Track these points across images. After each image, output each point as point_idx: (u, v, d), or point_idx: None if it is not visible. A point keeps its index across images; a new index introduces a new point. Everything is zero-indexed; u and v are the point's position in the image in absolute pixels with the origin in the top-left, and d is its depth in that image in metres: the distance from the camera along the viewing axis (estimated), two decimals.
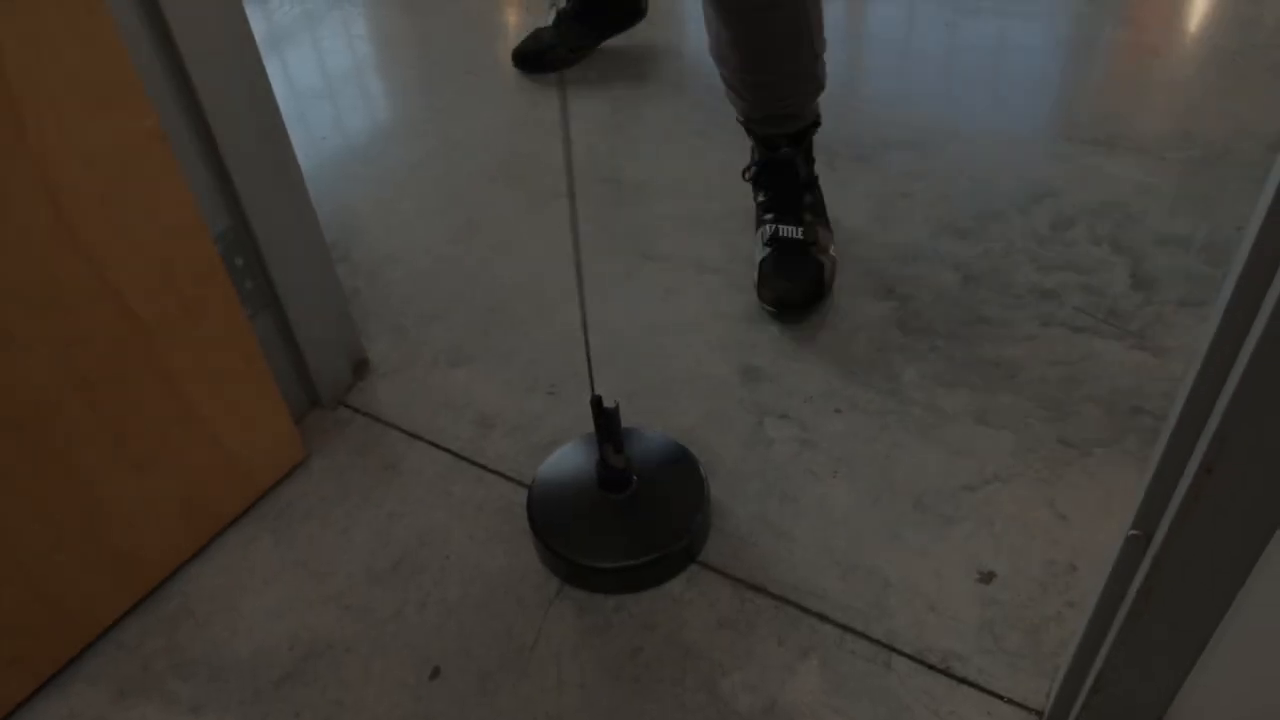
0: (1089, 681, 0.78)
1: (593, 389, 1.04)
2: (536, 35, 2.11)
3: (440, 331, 1.45)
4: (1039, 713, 0.94)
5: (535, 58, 2.09)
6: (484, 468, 1.23)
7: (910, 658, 1.00)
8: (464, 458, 1.25)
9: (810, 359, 1.35)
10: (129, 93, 0.88)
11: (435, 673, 1.02)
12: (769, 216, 1.49)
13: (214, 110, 1.00)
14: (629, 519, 1.11)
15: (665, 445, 1.19)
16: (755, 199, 1.55)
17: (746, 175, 1.56)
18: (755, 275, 1.46)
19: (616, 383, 1.12)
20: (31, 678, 1.02)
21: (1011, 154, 1.78)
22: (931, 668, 0.99)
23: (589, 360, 1.03)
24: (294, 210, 1.16)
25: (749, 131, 1.53)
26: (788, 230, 1.46)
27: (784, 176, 1.50)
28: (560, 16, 2.10)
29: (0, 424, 0.88)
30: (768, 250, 1.47)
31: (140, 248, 0.93)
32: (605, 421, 1.05)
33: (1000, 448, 1.21)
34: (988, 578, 1.07)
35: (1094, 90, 2.03)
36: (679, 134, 1.89)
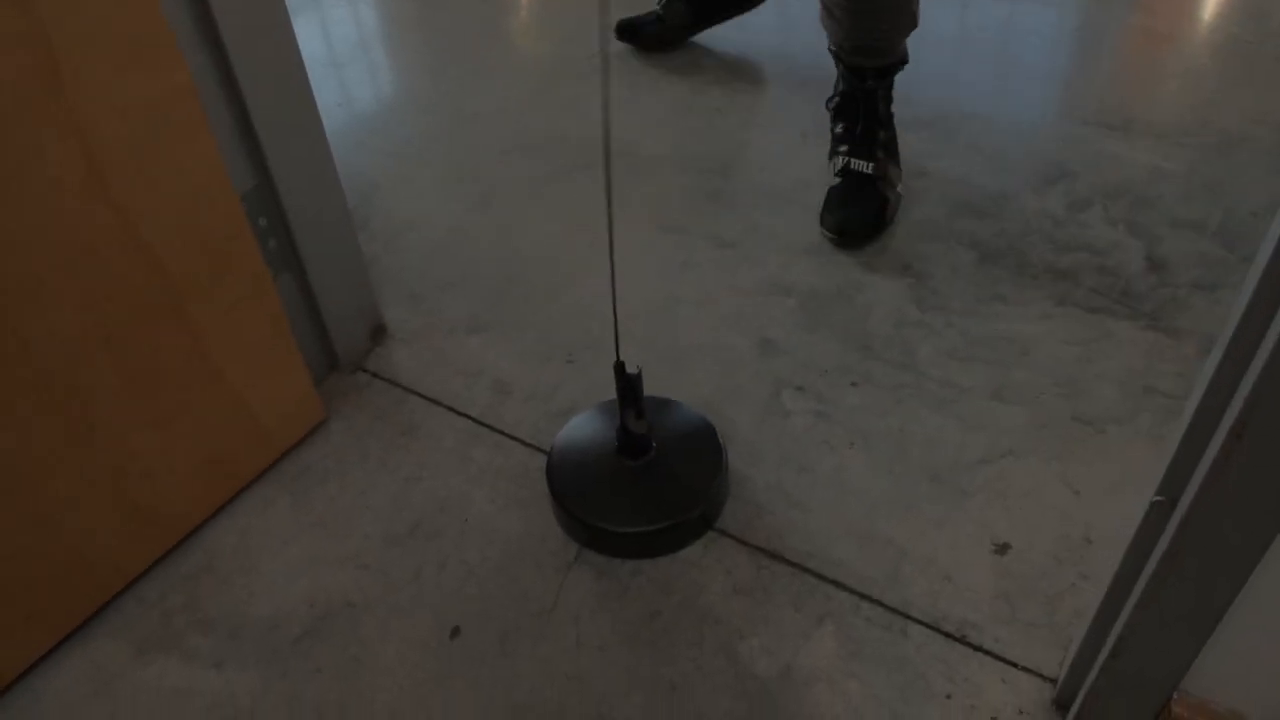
0: (1108, 648, 0.79)
1: (618, 354, 1.05)
2: (647, 14, 2.06)
3: (457, 299, 1.45)
4: (1053, 681, 0.96)
5: (632, 32, 2.05)
6: (502, 433, 1.24)
7: (926, 625, 1.01)
8: (482, 423, 1.26)
9: (826, 333, 1.36)
10: (161, 46, 0.88)
11: (455, 632, 1.03)
12: (843, 149, 1.55)
13: (242, 67, 1.00)
14: (647, 485, 1.12)
15: (683, 413, 1.20)
16: (832, 129, 1.60)
17: (829, 105, 1.61)
18: (821, 202, 1.53)
19: (633, 353, 1.12)
20: (52, 632, 1.03)
21: (1027, 136, 1.78)
22: (947, 636, 1.00)
23: (615, 325, 1.04)
24: (318, 172, 1.16)
25: (837, 60, 1.58)
26: (859, 164, 1.51)
27: (864, 110, 1.54)
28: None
29: (28, 375, 0.89)
30: (837, 180, 1.53)
31: (169, 202, 0.94)
32: (627, 387, 1.05)
33: (1015, 423, 1.22)
34: (1003, 549, 1.08)
35: (1108, 75, 2.03)
36: (696, 109, 1.89)
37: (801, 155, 1.72)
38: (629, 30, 2.06)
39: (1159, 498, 0.72)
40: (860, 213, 1.48)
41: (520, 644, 1.02)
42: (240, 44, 0.99)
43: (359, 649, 1.02)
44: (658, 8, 2.05)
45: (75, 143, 0.84)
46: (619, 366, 1.04)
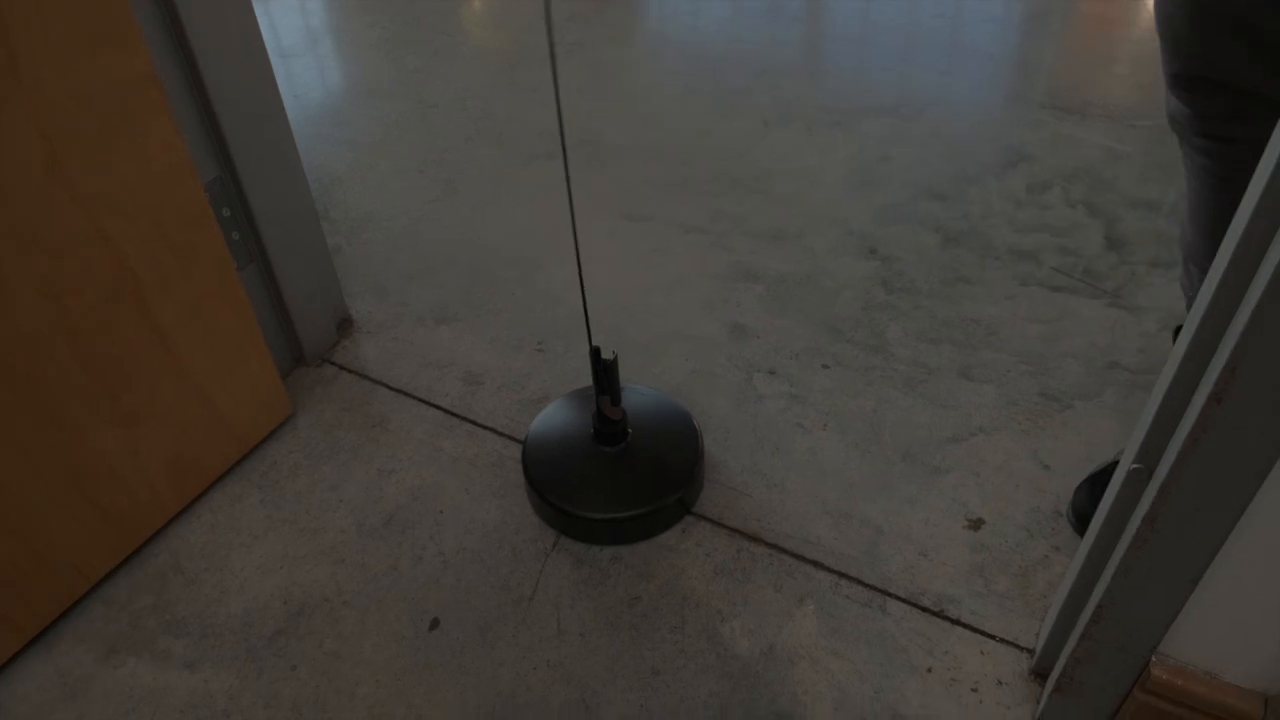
0: (1087, 614, 0.80)
1: (590, 340, 1.04)
2: None
3: (423, 290, 1.44)
4: (1030, 651, 0.97)
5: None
6: (474, 423, 1.23)
7: (904, 601, 1.02)
8: (454, 414, 1.24)
9: (796, 317, 1.36)
10: (123, 33, 0.85)
11: (434, 624, 1.02)
12: None
13: (205, 56, 0.98)
14: (624, 471, 1.11)
15: (657, 399, 1.19)
16: None
17: None
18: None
19: (605, 340, 1.12)
20: (17, 636, 1.00)
21: (985, 121, 1.81)
22: (925, 610, 1.01)
23: (585, 310, 1.03)
24: (282, 162, 1.14)
25: None
26: None
27: None
28: None
29: None
30: None
31: (132, 192, 0.91)
32: (603, 372, 1.05)
33: (984, 401, 1.23)
34: (976, 524, 1.09)
35: (1062, 60, 2.06)
36: (658, 99, 1.88)
37: (764, 143, 1.73)
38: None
39: (1136, 465, 0.73)
40: None
41: (501, 633, 1.01)
42: (202, 32, 0.97)
43: (336, 644, 1.01)
44: None
45: (33, 129, 0.81)
46: (594, 352, 1.04)
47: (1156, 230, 1.49)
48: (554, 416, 1.18)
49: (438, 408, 1.25)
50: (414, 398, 1.27)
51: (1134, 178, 1.60)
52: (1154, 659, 0.78)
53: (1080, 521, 1.21)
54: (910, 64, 2.00)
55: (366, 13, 2.31)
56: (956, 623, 1.00)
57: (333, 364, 1.31)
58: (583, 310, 1.02)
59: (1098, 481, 1.35)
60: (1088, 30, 2.16)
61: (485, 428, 1.22)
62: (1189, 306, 1.25)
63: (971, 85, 1.94)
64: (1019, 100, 1.89)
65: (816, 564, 1.06)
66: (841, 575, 1.04)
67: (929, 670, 0.96)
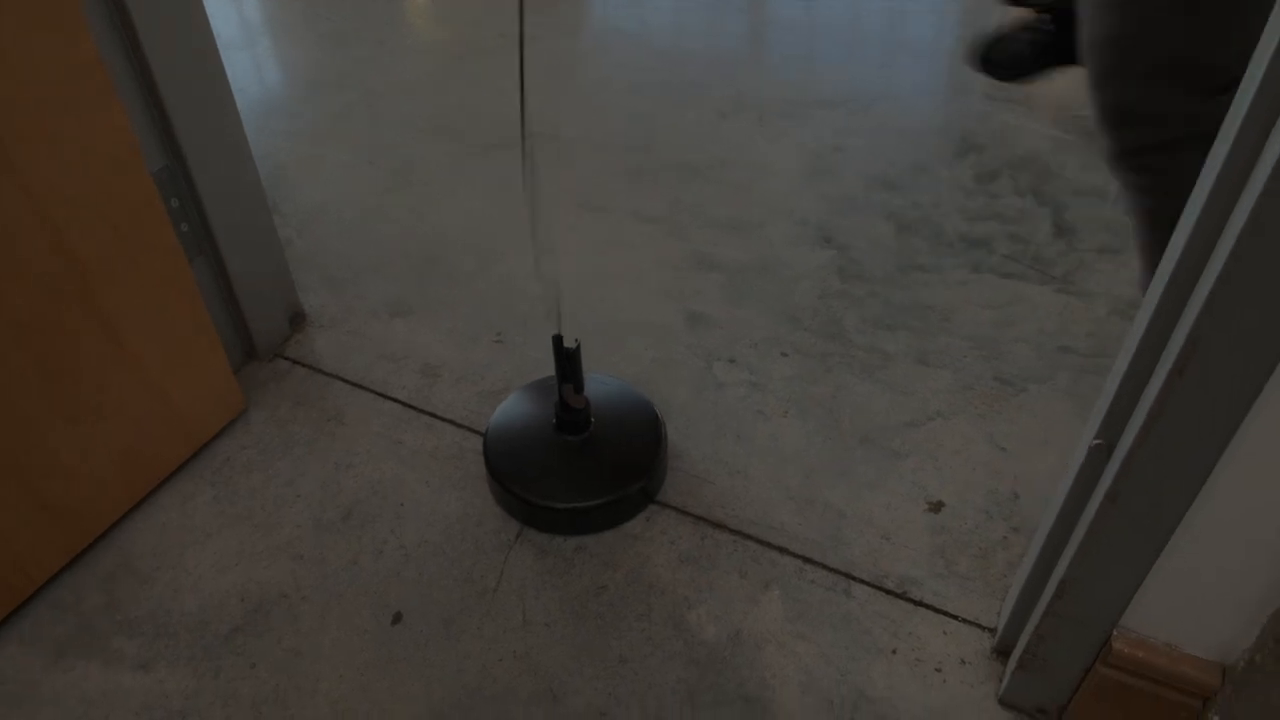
0: (1050, 590, 0.82)
1: (559, 327, 1.04)
2: (1014, 38, 1.72)
3: (377, 283, 1.41)
4: (992, 630, 0.98)
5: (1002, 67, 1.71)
6: (433, 415, 1.21)
7: (868, 584, 1.03)
8: (412, 406, 1.23)
9: (754, 306, 1.37)
10: (66, 17, 0.82)
11: (397, 618, 1.00)
12: None
13: (150, 42, 0.95)
14: (587, 460, 1.11)
15: (619, 388, 1.19)
16: None
17: None
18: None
19: (565, 330, 1.11)
20: None
21: (932, 112, 1.83)
22: (889, 592, 1.02)
23: (558, 298, 1.02)
24: (231, 152, 1.11)
25: None
26: None
27: None
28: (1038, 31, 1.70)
29: None
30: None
31: (77, 179, 0.88)
32: (566, 361, 1.04)
33: (940, 386, 1.25)
34: (936, 507, 1.10)
35: None
36: (610, 91, 1.88)
37: (720, 132, 1.73)
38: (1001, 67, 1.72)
39: (1097, 441, 0.75)
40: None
41: (465, 625, 0.99)
42: (148, 18, 0.94)
43: (296, 640, 0.99)
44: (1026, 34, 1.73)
45: None
46: (557, 340, 1.03)
47: (1103, 217, 1.52)
48: (515, 407, 1.16)
49: (395, 400, 1.24)
50: (370, 391, 1.25)
51: (1079, 166, 1.64)
52: (1115, 632, 0.80)
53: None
54: (856, 56, 2.02)
55: (306, 5, 2.27)
56: (919, 604, 1.01)
57: (285, 358, 1.29)
58: (541, 300, 1.01)
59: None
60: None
61: (444, 420, 1.21)
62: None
63: (918, 77, 1.96)
64: (965, 91, 1.91)
65: (780, 549, 1.06)
66: (805, 560, 1.05)
67: (893, 652, 0.97)
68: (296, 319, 1.33)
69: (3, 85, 0.80)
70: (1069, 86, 1.88)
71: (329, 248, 1.48)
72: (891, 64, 2.00)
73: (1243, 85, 0.58)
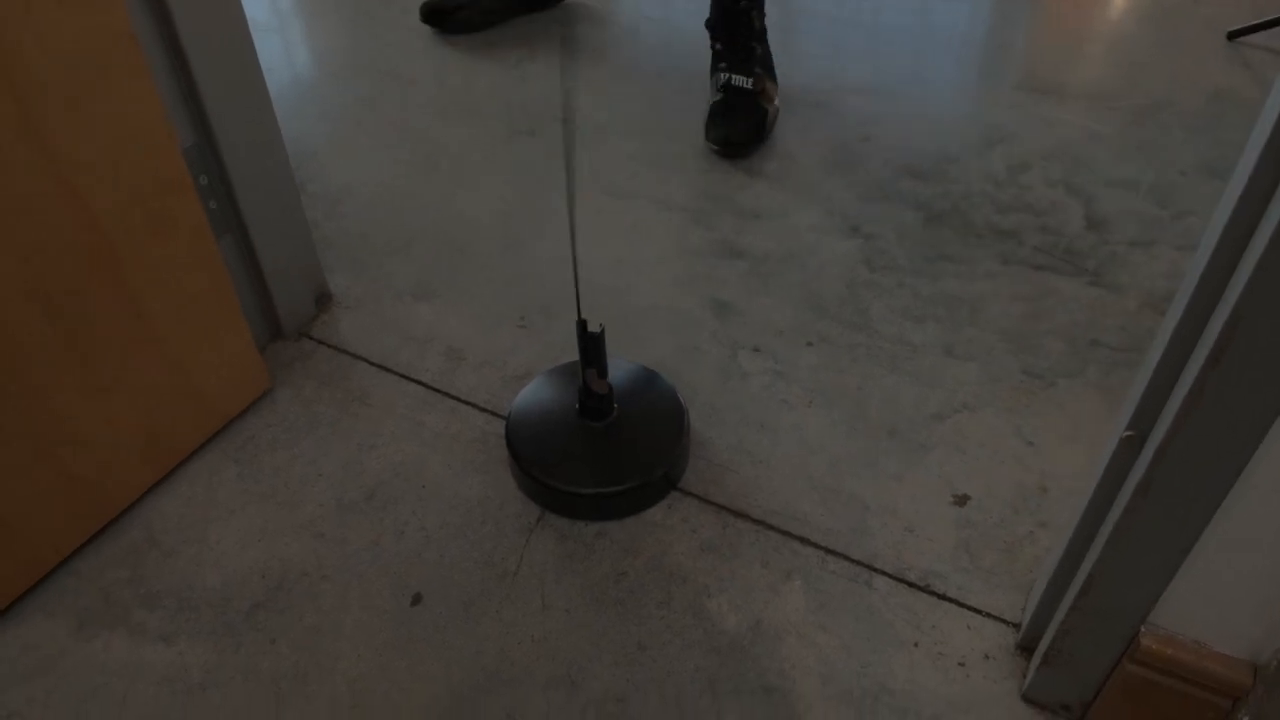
0: (1077, 585, 0.80)
1: (579, 311, 1.03)
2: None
3: (403, 265, 1.42)
4: (1016, 625, 0.97)
5: (440, 15, 1.97)
6: (457, 399, 1.21)
7: (891, 577, 1.02)
8: (435, 389, 1.22)
9: (779, 294, 1.36)
10: None
11: (416, 599, 1.00)
12: (723, 65, 1.66)
13: (183, 17, 0.95)
14: (609, 446, 1.10)
15: (642, 374, 1.18)
16: (712, 47, 1.69)
17: (707, 24, 1.68)
18: (705, 119, 1.64)
19: (589, 316, 1.10)
20: None
21: (964, 101, 1.81)
22: (912, 585, 1.01)
23: (576, 281, 1.02)
24: (260, 130, 1.11)
25: None
26: (739, 80, 1.63)
27: (740, 27, 1.64)
28: None
29: None
30: (719, 96, 1.65)
31: (107, 153, 0.89)
32: (590, 345, 1.03)
33: (968, 378, 1.23)
34: (962, 501, 1.09)
35: (1037, 41, 2.07)
36: (637, 77, 1.87)
37: None
38: (436, 15, 1.98)
39: (1129, 432, 0.73)
40: (743, 125, 1.60)
41: (485, 608, 0.99)
42: None
43: (317, 618, 0.99)
44: None
45: (7, 88, 0.79)
46: (581, 324, 1.02)
47: (1135, 210, 1.49)
48: (538, 392, 1.16)
49: (419, 383, 1.24)
50: (394, 373, 1.25)
51: (1111, 158, 1.61)
52: (1143, 629, 0.79)
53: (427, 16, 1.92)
54: (886, 45, 1.99)
55: None
56: (943, 598, 1.00)
57: (311, 338, 1.29)
58: (567, 285, 1.00)
59: None
60: (1062, 12, 2.17)
61: (467, 403, 1.21)
62: None
63: (947, 66, 1.94)
64: (995, 81, 1.89)
65: (803, 540, 1.05)
66: (828, 551, 1.04)
67: (915, 645, 0.96)
68: (322, 299, 1.33)
69: (36, 61, 0.80)
70: (1103, 77, 1.85)
71: (356, 229, 1.48)
72: (920, 52, 1.97)
73: None
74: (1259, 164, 0.56)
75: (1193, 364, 0.65)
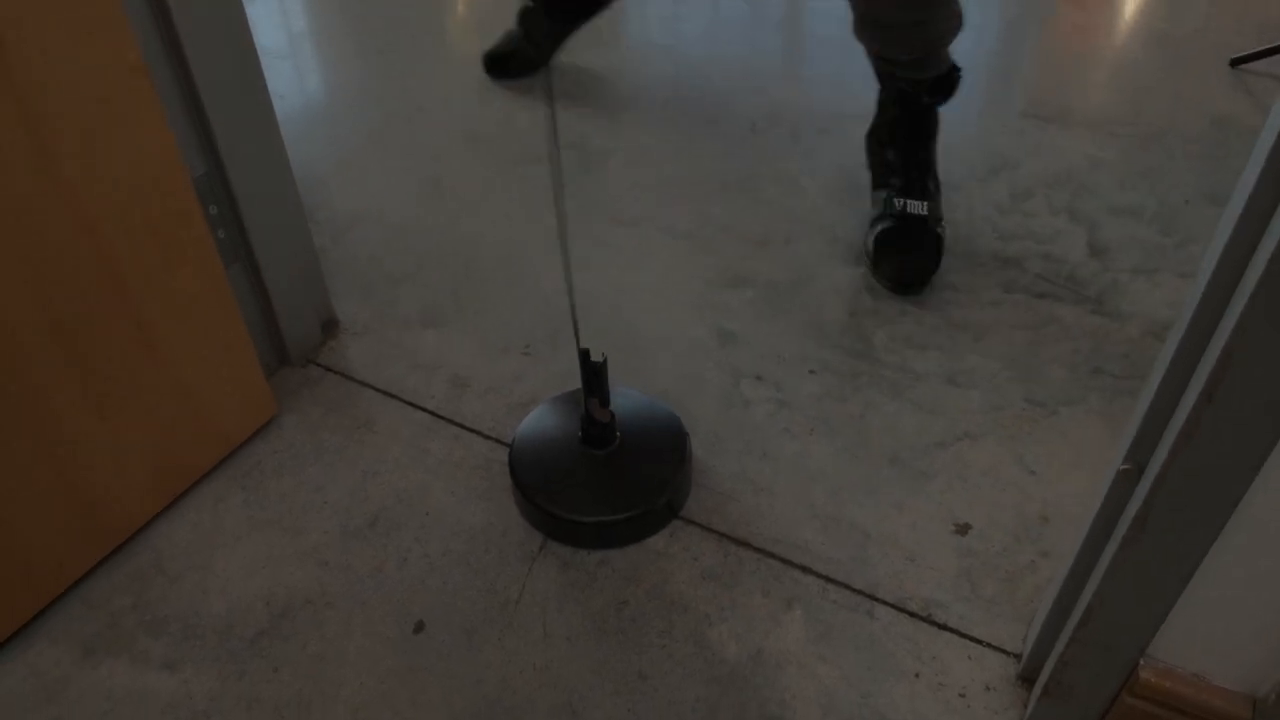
0: (1076, 616, 0.80)
1: (578, 342, 1.04)
2: (507, 37, 1.96)
3: (409, 292, 1.43)
4: (1017, 656, 0.97)
5: (501, 61, 1.95)
6: (461, 426, 1.22)
7: (892, 606, 1.02)
8: (440, 416, 1.23)
9: (783, 322, 1.36)
10: (112, 23, 0.84)
11: (419, 627, 1.01)
12: (894, 183, 1.40)
13: (193, 48, 0.97)
14: (612, 474, 1.11)
15: (645, 403, 1.19)
16: (879, 157, 1.44)
17: (872, 136, 1.46)
18: (869, 243, 1.39)
19: (593, 344, 1.11)
20: None
21: (968, 127, 1.82)
22: (913, 615, 1.01)
23: (574, 314, 1.03)
24: (270, 160, 1.13)
25: (887, 79, 1.41)
26: (914, 206, 1.38)
27: (919, 132, 1.41)
28: (524, 13, 1.94)
29: None
30: (889, 224, 1.39)
31: (119, 185, 0.90)
32: (592, 375, 1.04)
33: (970, 406, 1.24)
34: (963, 529, 1.09)
35: (1042, 68, 2.08)
36: (643, 103, 1.89)
37: (750, 147, 1.73)
38: (498, 61, 1.94)
39: (1125, 465, 0.74)
40: (921, 259, 1.37)
41: (487, 636, 1.00)
42: (191, 24, 0.96)
43: (320, 646, 0.99)
44: (515, 27, 1.94)
45: (21, 121, 0.80)
46: (584, 354, 1.03)
47: (1138, 237, 1.50)
48: (541, 419, 1.17)
49: (424, 410, 1.25)
50: (400, 400, 1.26)
51: (1115, 185, 1.62)
52: (1142, 661, 0.79)
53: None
54: None
55: (349, 16, 2.31)
56: (944, 628, 1.00)
57: (318, 365, 1.30)
58: (571, 314, 1.01)
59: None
60: (1067, 38, 2.19)
61: (472, 430, 1.22)
62: (877, 54, 1.40)
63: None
64: (1000, 107, 1.90)
65: (804, 569, 1.06)
66: (829, 580, 1.04)
67: (916, 675, 0.96)
68: (329, 326, 1.34)
69: (52, 97, 0.82)
70: (1107, 103, 1.86)
71: (363, 257, 1.50)
72: None
73: None
74: (1248, 206, 0.57)
75: (1187, 398, 0.65)
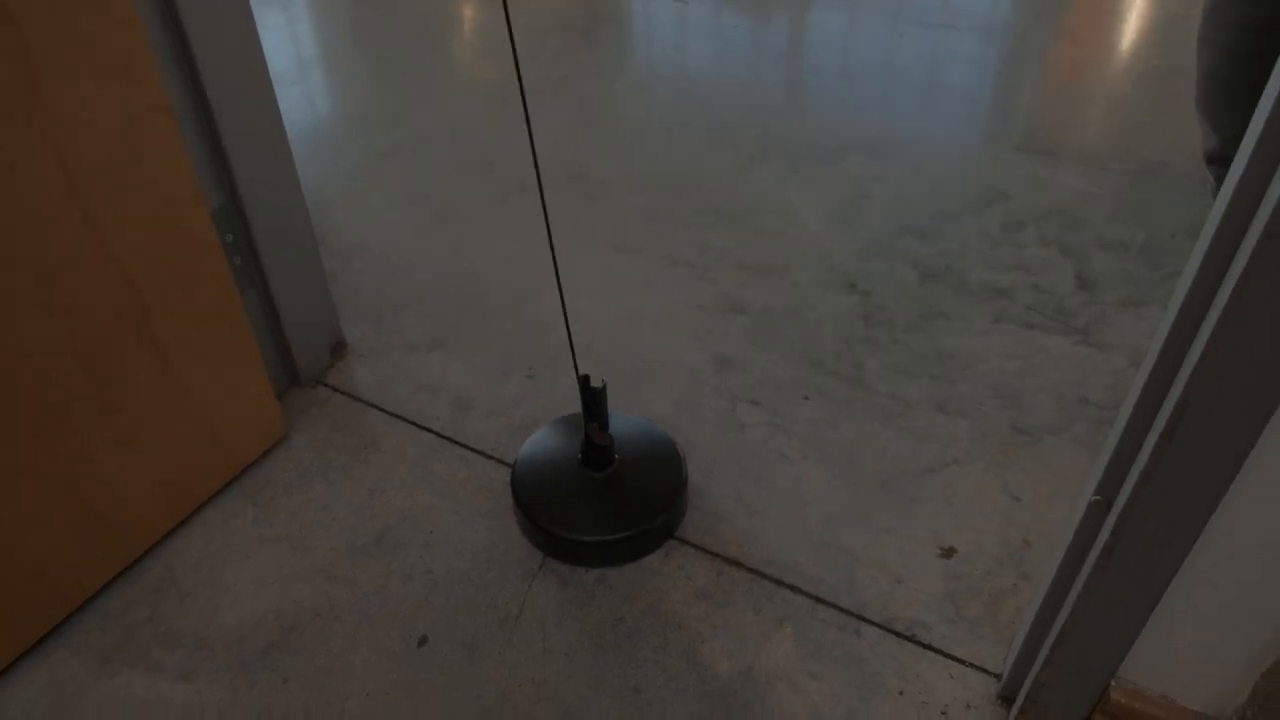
0: (1051, 638, 0.84)
1: (576, 370, 1.08)
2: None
3: (415, 316, 1.47)
4: (997, 675, 1.01)
5: None
6: (465, 446, 1.26)
7: (878, 626, 1.06)
8: (445, 437, 1.28)
9: (779, 349, 1.41)
10: (139, 64, 0.89)
11: (423, 641, 1.05)
12: None
13: (214, 87, 1.02)
14: (610, 496, 1.15)
15: (643, 427, 1.23)
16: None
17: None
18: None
19: (593, 370, 1.16)
20: (11, 645, 1.02)
21: (962, 160, 1.87)
22: (898, 635, 1.05)
23: (570, 338, 1.07)
24: (283, 189, 1.17)
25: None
26: None
27: None
28: None
29: None
30: None
31: (141, 218, 0.95)
32: (592, 399, 1.08)
33: (959, 434, 1.27)
34: (949, 553, 1.13)
35: (1038, 102, 2.13)
36: (645, 133, 1.94)
37: (750, 177, 1.78)
38: None
39: (1096, 497, 0.78)
40: None
41: (488, 651, 1.04)
42: (212, 64, 1.01)
43: (327, 659, 1.03)
44: None
45: (52, 155, 0.85)
46: (584, 380, 1.07)
47: (1126, 271, 1.54)
48: (542, 441, 1.21)
49: (429, 431, 1.29)
50: (406, 420, 1.30)
51: (1104, 219, 1.66)
52: (1113, 683, 0.82)
53: None
54: (890, 103, 2.06)
55: (357, 42, 2.36)
56: (928, 648, 1.03)
57: (327, 386, 1.35)
58: (575, 337, 1.05)
59: None
60: (1062, 73, 2.24)
61: (475, 451, 1.26)
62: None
63: (950, 125, 2.00)
64: (996, 140, 1.95)
65: (795, 589, 1.09)
66: (819, 600, 1.08)
67: (901, 693, 1.00)
68: (338, 348, 1.39)
69: (80, 131, 0.86)
70: (1100, 138, 1.91)
71: (371, 282, 1.54)
72: (924, 111, 2.04)
73: (1235, 159, 0.61)
74: (1200, 270, 0.61)
75: (1150, 437, 0.69)
